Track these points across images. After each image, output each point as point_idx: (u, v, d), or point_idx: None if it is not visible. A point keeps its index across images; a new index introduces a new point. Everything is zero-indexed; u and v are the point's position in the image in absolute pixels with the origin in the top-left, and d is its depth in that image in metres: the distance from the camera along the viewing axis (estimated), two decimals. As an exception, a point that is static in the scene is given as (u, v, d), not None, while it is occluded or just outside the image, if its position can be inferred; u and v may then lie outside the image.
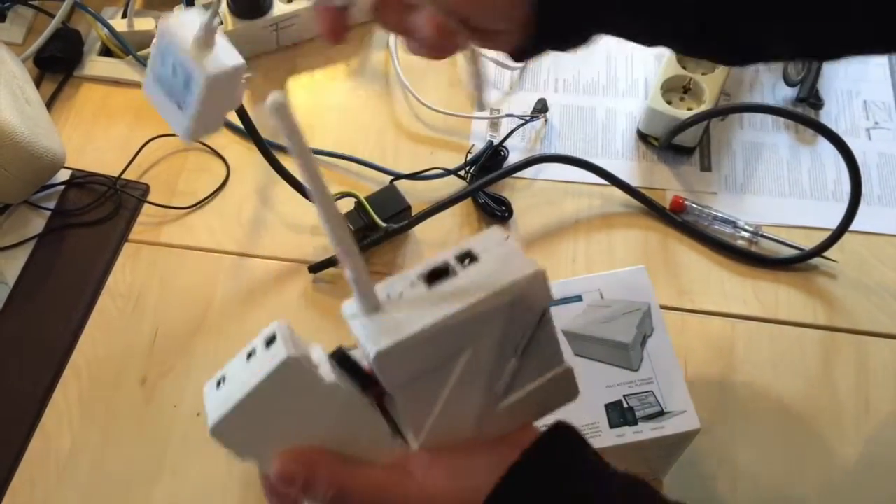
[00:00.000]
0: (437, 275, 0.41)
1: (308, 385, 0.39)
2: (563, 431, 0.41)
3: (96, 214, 0.77)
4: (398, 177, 0.78)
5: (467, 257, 0.41)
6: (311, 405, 0.39)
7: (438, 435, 0.41)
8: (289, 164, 0.77)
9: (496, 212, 0.76)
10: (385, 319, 0.39)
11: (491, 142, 0.80)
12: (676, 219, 0.77)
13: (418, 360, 0.39)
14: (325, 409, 0.40)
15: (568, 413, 0.43)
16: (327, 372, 0.40)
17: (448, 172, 0.78)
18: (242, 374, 0.39)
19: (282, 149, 0.81)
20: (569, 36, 0.48)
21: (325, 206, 0.36)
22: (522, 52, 0.48)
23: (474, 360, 0.40)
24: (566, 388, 0.44)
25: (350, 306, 0.40)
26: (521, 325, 0.41)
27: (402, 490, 0.40)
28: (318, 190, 0.36)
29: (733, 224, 0.76)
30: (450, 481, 0.40)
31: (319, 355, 0.41)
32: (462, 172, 0.79)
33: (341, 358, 0.41)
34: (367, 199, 0.74)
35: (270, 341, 0.39)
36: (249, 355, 0.40)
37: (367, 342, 0.38)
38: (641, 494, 0.41)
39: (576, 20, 0.46)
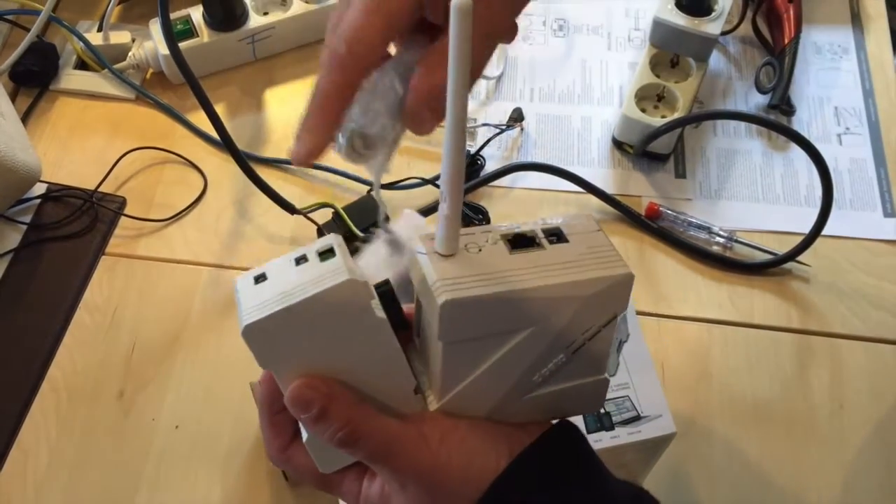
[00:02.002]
0: (521, 241, 0.39)
1: (357, 313, 0.37)
2: (570, 431, 0.41)
3: (73, 228, 0.77)
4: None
5: (555, 235, 0.40)
6: (350, 333, 0.38)
7: (458, 404, 0.40)
8: (266, 175, 0.77)
9: (473, 220, 0.77)
10: (462, 269, 0.37)
11: (468, 151, 0.80)
12: (652, 225, 0.78)
13: (482, 322, 0.37)
14: (361, 342, 0.38)
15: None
16: (377, 305, 0.38)
17: (425, 182, 0.79)
18: (290, 278, 0.37)
19: (259, 160, 0.81)
20: None
21: (455, 127, 0.34)
22: None
23: (529, 341, 0.39)
24: (593, 398, 0.43)
25: (420, 244, 0.39)
26: (587, 323, 0.39)
27: (414, 451, 0.39)
28: (458, 110, 0.34)
29: (708, 230, 0.77)
30: (462, 457, 0.39)
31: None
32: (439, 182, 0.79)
33: (387, 295, 0.39)
34: (345, 208, 0.75)
35: (325, 253, 0.37)
36: (299, 260, 0.38)
37: (440, 286, 0.36)
38: (646, 500, 0.41)
39: None
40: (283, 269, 0.38)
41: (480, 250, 0.38)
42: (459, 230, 0.38)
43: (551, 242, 0.39)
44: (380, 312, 0.38)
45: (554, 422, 0.42)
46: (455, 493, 0.39)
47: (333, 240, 0.38)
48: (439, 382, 0.40)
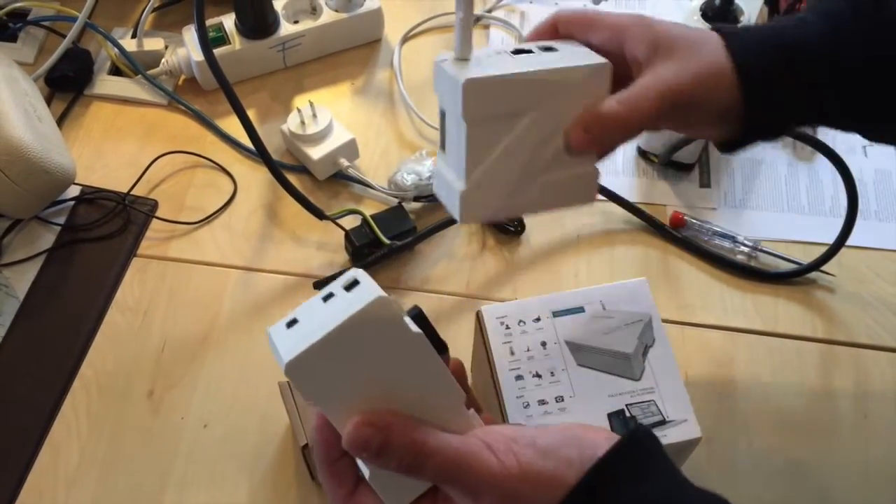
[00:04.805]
0: (521, 52, 0.49)
1: (392, 331, 0.38)
2: (648, 435, 0.40)
3: (105, 229, 0.78)
4: (404, 199, 0.79)
5: (548, 49, 0.50)
6: (389, 352, 0.38)
7: (483, 182, 0.48)
8: (294, 180, 0.78)
9: (509, 227, 0.78)
10: (476, 66, 0.46)
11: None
12: (676, 234, 0.78)
13: (497, 100, 0.46)
14: (401, 359, 0.39)
15: (573, 420, 0.44)
16: (411, 321, 0.39)
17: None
18: (321, 314, 0.38)
19: (288, 166, 0.82)
20: (777, 134, 0.52)
21: None
22: (728, 145, 0.52)
23: (534, 123, 0.47)
24: (587, 188, 0.51)
25: (442, 55, 0.48)
26: (577, 108, 0.48)
27: (482, 462, 0.38)
28: None
29: (732, 239, 0.78)
30: (532, 463, 0.38)
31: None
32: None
33: (419, 316, 0.40)
34: (373, 217, 0.76)
35: (351, 286, 0.38)
36: (326, 298, 0.39)
37: (460, 74, 0.45)
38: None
39: (787, 125, 0.52)
40: (313, 308, 0.39)
41: (489, 57, 0.48)
42: (471, 36, 0.47)
43: (544, 51, 0.49)
44: (414, 327, 0.38)
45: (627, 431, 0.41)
46: (529, 499, 0.38)
47: (356, 273, 0.39)
48: (465, 163, 0.47)
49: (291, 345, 0.37)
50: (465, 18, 0.45)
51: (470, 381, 0.54)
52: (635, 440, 0.39)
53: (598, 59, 0.48)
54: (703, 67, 0.47)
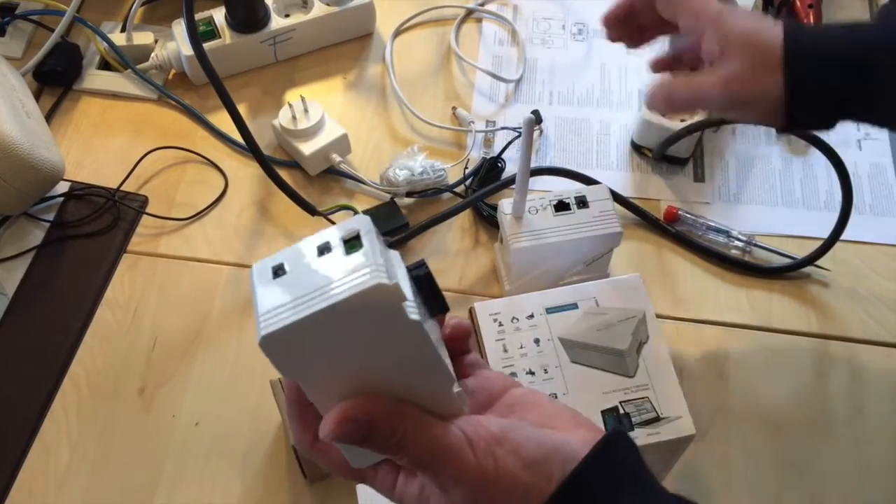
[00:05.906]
0: (561, 206, 0.68)
1: (388, 316, 0.34)
2: (624, 439, 0.40)
3: (95, 226, 0.78)
4: (396, 195, 0.79)
5: (582, 203, 0.68)
6: (381, 338, 0.35)
7: (524, 284, 0.69)
8: (286, 176, 0.78)
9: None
10: (526, 226, 0.67)
11: (484, 157, 0.81)
12: (670, 229, 0.78)
13: (537, 256, 0.67)
14: (393, 345, 0.35)
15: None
16: (412, 305, 0.35)
17: (447, 189, 0.79)
18: (312, 274, 0.33)
19: (279, 161, 0.82)
20: (820, 127, 0.61)
21: (524, 163, 0.63)
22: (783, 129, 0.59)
23: (563, 260, 0.68)
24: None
25: (506, 205, 0.68)
26: (595, 254, 0.69)
27: (458, 460, 0.37)
28: (525, 160, 0.63)
29: (727, 234, 0.77)
30: (510, 470, 0.37)
31: (403, 274, 0.36)
32: (460, 188, 0.79)
33: (426, 278, 0.36)
34: (365, 212, 0.75)
35: (352, 241, 0.34)
36: (322, 250, 0.34)
37: (512, 238, 0.66)
38: None
39: (830, 121, 0.58)
40: (305, 259, 0.34)
41: (537, 212, 0.67)
42: (525, 201, 0.66)
43: (579, 207, 0.68)
44: (413, 314, 0.35)
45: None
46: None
47: (360, 224, 0.34)
48: (508, 273, 0.71)
49: (270, 311, 0.33)
50: (521, 195, 0.65)
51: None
52: (607, 450, 0.39)
53: (612, 230, 0.67)
54: (756, 69, 0.55)
